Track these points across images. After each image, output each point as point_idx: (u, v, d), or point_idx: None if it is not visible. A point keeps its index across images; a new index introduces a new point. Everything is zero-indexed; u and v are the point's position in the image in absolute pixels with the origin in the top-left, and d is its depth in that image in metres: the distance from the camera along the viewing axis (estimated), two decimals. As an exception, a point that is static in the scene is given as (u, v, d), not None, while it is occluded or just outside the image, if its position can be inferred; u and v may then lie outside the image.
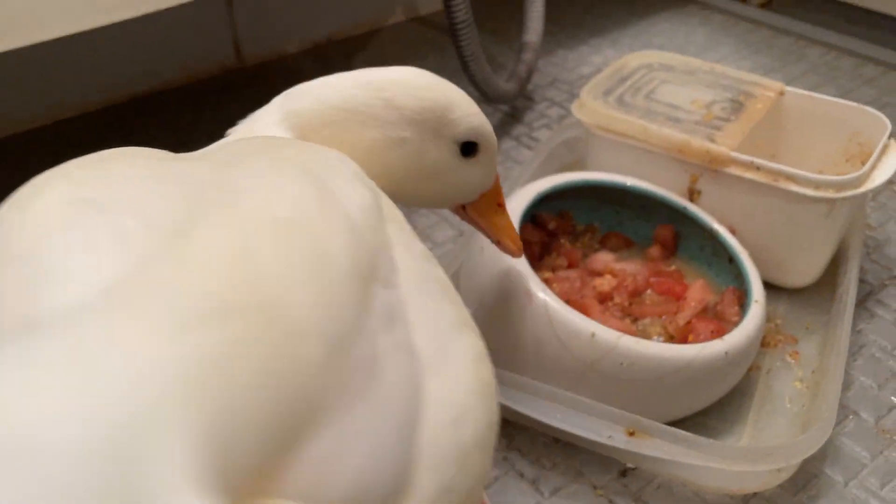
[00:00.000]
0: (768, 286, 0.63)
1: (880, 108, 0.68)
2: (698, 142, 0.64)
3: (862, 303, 0.67)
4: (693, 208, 0.64)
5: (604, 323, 0.53)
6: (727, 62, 1.02)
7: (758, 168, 0.62)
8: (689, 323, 0.58)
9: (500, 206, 0.50)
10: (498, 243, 0.51)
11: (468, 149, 0.46)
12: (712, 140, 0.64)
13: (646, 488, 0.52)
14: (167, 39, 1.02)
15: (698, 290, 0.61)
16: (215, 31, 1.06)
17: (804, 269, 0.66)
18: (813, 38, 1.08)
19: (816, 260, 0.65)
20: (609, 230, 0.69)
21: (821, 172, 0.61)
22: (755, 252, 0.62)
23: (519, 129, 0.92)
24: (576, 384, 0.52)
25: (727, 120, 0.67)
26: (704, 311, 0.60)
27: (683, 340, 0.57)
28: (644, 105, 0.69)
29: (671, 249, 0.67)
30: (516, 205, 0.61)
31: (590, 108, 0.68)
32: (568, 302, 0.54)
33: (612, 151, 0.69)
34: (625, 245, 0.68)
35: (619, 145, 0.68)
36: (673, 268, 0.65)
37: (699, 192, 0.66)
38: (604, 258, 0.65)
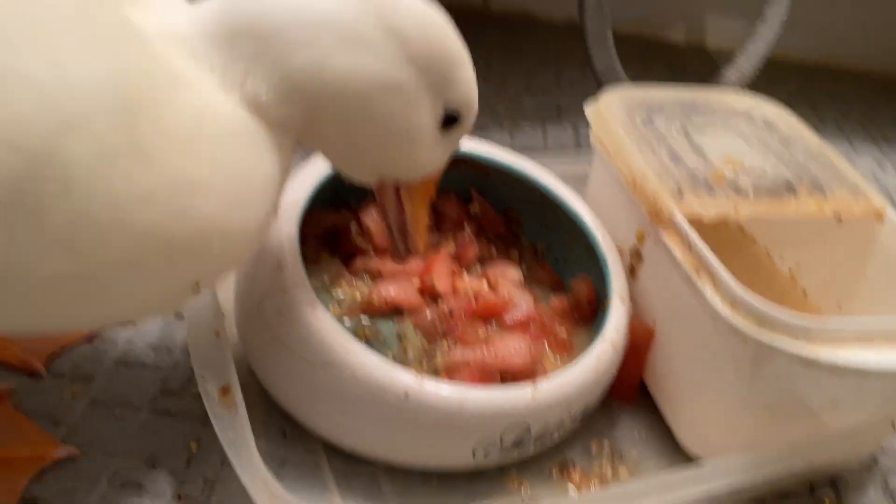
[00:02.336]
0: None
1: None
2: (653, 183, 0.47)
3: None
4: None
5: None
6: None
7: (690, 248, 0.43)
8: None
9: (432, 198, 0.42)
10: (402, 236, 0.42)
11: (449, 121, 0.38)
12: (690, 195, 0.46)
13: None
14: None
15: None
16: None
17: (705, 430, 0.45)
18: None
19: (728, 427, 0.44)
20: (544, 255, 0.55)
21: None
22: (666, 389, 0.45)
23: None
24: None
25: (744, 193, 0.48)
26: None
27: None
28: (665, 136, 0.52)
29: (585, 312, 0.51)
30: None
31: (602, 112, 0.54)
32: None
33: (600, 171, 0.54)
34: (549, 283, 0.54)
35: (601, 164, 0.53)
36: (563, 332, 0.49)
37: (641, 259, 0.49)
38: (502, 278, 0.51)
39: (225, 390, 0.40)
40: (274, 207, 0.36)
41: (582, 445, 0.47)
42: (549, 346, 0.48)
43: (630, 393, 0.49)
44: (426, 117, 0.36)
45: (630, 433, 0.48)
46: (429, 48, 0.35)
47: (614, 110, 0.54)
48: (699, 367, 0.44)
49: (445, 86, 0.36)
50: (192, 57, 0.32)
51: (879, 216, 0.48)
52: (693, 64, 1.05)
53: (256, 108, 0.33)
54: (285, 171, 0.36)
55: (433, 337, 0.46)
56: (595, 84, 0.76)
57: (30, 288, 0.28)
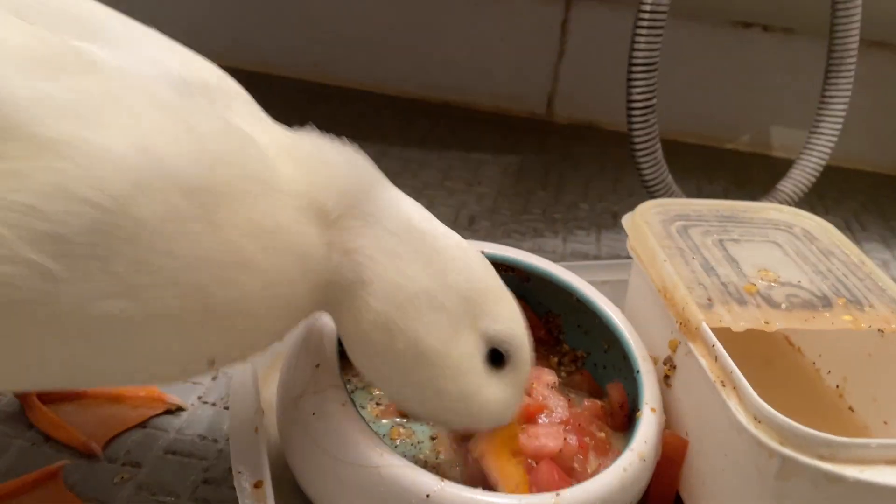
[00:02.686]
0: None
1: None
2: (683, 293, 0.47)
3: None
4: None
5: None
6: None
7: (716, 358, 0.44)
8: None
9: (516, 452, 0.43)
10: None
11: (496, 357, 0.41)
12: (720, 306, 0.46)
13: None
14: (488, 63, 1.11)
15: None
16: (537, 78, 1.12)
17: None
18: None
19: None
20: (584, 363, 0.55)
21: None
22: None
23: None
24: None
25: (776, 305, 0.48)
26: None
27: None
28: (699, 247, 0.53)
29: (618, 417, 0.51)
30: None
31: (637, 222, 0.56)
32: None
33: (637, 280, 0.55)
34: (587, 389, 0.54)
35: (638, 273, 0.54)
36: (602, 435, 0.50)
37: (674, 368, 0.49)
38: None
39: (258, 484, 0.42)
40: (284, 334, 0.41)
41: (611, 558, 0.46)
42: (592, 448, 0.48)
43: (665, 506, 0.48)
44: (465, 345, 0.40)
45: (662, 550, 0.47)
46: (470, 283, 0.39)
47: (650, 220, 0.55)
48: (727, 480, 0.43)
49: (483, 317, 0.40)
50: (303, 178, 0.38)
51: (923, 332, 0.47)
52: (758, 173, 1.05)
53: (323, 246, 0.38)
54: (300, 318, 0.41)
55: (465, 438, 0.47)
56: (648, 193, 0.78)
57: (81, 326, 0.32)
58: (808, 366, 0.57)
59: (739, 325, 0.46)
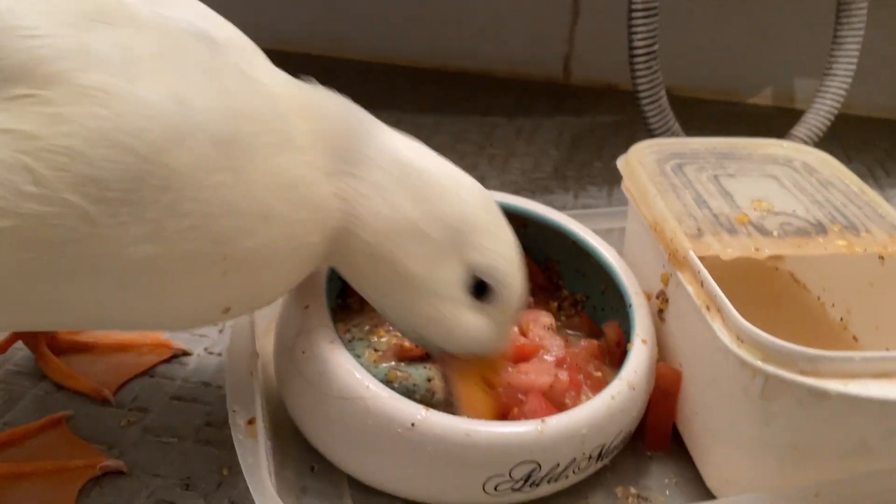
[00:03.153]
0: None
1: None
2: (672, 225, 0.47)
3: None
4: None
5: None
6: None
7: (702, 284, 0.43)
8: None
9: (490, 386, 0.44)
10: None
11: (479, 289, 0.42)
12: (710, 236, 0.46)
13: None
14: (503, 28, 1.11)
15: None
16: (552, 42, 1.11)
17: (731, 474, 0.43)
18: None
19: (748, 465, 0.42)
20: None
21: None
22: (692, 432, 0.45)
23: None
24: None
25: (767, 234, 0.47)
26: None
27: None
28: (693, 182, 0.52)
29: (615, 355, 0.51)
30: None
31: (631, 162, 0.55)
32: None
33: (632, 220, 0.55)
34: (586, 331, 0.54)
35: (633, 213, 0.54)
36: (599, 374, 0.50)
37: (667, 302, 0.49)
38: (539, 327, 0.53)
39: (251, 421, 0.43)
40: (295, 284, 0.43)
41: (606, 490, 0.46)
42: (587, 386, 0.48)
43: (662, 439, 0.48)
44: (448, 273, 0.41)
45: (660, 481, 0.47)
46: (461, 214, 0.41)
47: (644, 160, 0.55)
48: (717, 405, 0.43)
49: (467, 248, 0.41)
50: (309, 129, 0.39)
51: (923, 253, 0.46)
52: (779, 127, 1.03)
53: (335, 197, 0.40)
54: (312, 269, 0.42)
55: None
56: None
57: (113, 269, 0.34)
58: (813, 301, 0.56)
59: (728, 253, 0.45)
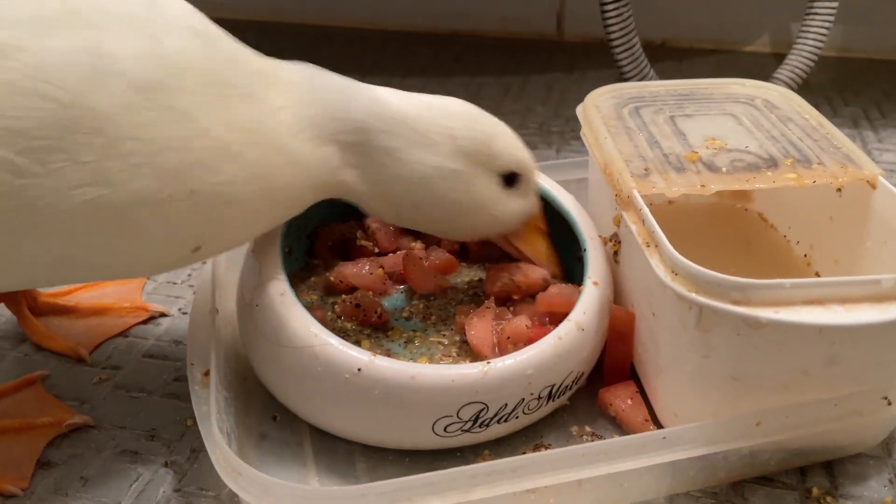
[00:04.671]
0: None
1: None
2: (619, 166, 0.47)
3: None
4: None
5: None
6: None
7: (643, 222, 0.43)
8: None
9: (543, 231, 0.51)
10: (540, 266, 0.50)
11: (510, 179, 0.47)
12: (656, 175, 0.46)
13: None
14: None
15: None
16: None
17: (678, 407, 0.43)
18: None
19: (691, 397, 0.42)
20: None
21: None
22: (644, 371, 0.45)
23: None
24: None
25: (716, 170, 0.47)
26: None
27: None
28: (648, 124, 0.52)
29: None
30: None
31: (588, 108, 0.55)
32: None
33: (592, 166, 0.55)
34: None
35: (591, 159, 0.54)
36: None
37: (619, 244, 0.49)
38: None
39: (206, 374, 0.45)
40: (280, 221, 0.45)
41: (561, 430, 0.47)
42: None
43: (619, 379, 0.49)
44: (484, 187, 0.46)
45: (615, 420, 0.47)
46: (472, 138, 0.45)
47: (601, 105, 0.55)
48: (661, 340, 0.43)
49: (490, 158, 0.46)
50: (283, 97, 0.41)
51: (872, 185, 0.46)
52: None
53: (321, 159, 0.42)
54: (308, 199, 0.44)
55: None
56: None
57: (62, 217, 0.35)
58: (780, 239, 0.56)
59: (672, 192, 0.45)
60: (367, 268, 0.51)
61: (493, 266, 0.51)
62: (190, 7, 0.41)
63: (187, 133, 0.37)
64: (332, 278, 0.51)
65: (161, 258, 0.41)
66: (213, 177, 0.38)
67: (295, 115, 0.41)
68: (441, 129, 0.44)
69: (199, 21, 0.40)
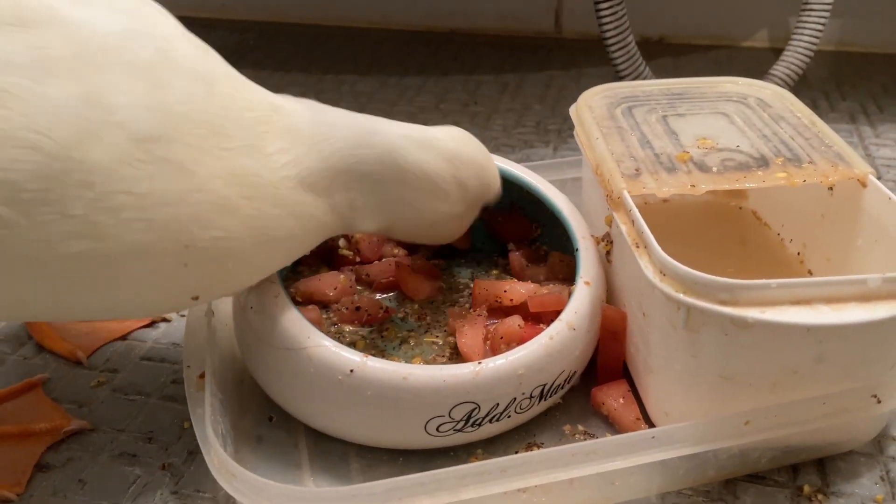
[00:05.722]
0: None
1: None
2: (610, 166, 0.47)
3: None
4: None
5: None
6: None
7: (633, 223, 0.44)
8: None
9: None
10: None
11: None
12: (647, 175, 0.46)
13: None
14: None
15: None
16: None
17: (668, 406, 0.44)
18: None
19: (681, 397, 0.43)
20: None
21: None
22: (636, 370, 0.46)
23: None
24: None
25: (707, 170, 0.47)
26: None
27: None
28: (640, 124, 0.52)
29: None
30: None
31: (580, 109, 0.55)
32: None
33: (585, 166, 0.55)
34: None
35: (585, 159, 0.54)
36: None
37: (611, 244, 0.49)
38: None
39: (201, 376, 0.45)
40: (280, 267, 0.44)
41: (554, 429, 0.47)
42: None
43: (611, 378, 0.49)
44: (470, 220, 0.50)
45: (608, 419, 0.48)
46: (479, 185, 0.48)
47: (594, 105, 0.55)
48: (651, 340, 0.44)
49: (487, 197, 0.50)
50: (283, 143, 0.40)
51: (862, 183, 0.46)
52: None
53: (323, 209, 0.42)
54: (311, 244, 0.44)
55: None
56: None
57: (51, 267, 0.34)
58: (773, 238, 0.56)
59: (663, 192, 0.45)
60: (331, 280, 0.52)
61: (479, 282, 0.51)
62: (196, 44, 0.40)
63: (184, 187, 0.36)
64: (297, 297, 0.51)
65: (158, 306, 0.40)
66: (210, 232, 0.37)
67: (297, 166, 0.40)
68: (455, 181, 0.46)
69: (203, 63, 0.39)
